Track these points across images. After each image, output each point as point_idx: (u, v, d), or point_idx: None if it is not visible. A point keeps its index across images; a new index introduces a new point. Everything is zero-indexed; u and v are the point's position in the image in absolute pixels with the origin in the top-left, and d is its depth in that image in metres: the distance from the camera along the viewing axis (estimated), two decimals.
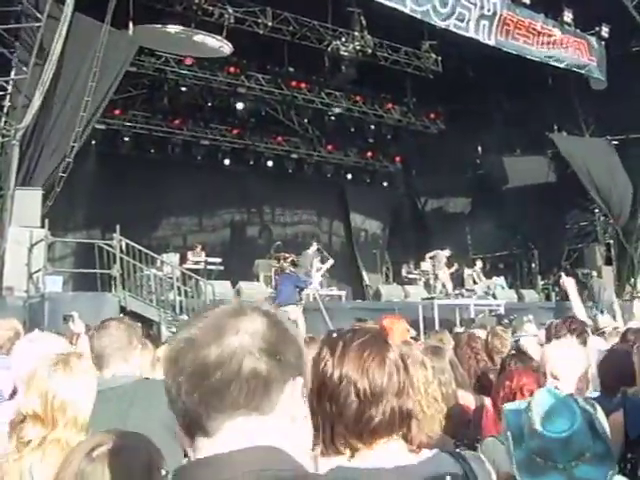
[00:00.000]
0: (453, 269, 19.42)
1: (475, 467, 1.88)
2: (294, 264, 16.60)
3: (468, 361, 4.68)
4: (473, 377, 4.59)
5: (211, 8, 16.65)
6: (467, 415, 3.69)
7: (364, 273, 23.27)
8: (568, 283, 6.45)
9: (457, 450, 2.72)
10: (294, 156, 23.20)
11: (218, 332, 1.15)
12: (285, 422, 1.18)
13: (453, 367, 3.82)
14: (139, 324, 4.60)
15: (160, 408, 2.66)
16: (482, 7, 16.55)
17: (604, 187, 20.13)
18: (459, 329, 12.10)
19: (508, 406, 2.67)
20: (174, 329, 11.29)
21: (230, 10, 16.83)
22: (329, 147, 23.74)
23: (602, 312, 17.27)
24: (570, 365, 3.13)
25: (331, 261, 17.57)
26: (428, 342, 5.34)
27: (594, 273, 20.09)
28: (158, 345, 5.59)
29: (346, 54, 17.96)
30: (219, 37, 16.90)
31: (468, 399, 3.78)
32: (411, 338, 6.42)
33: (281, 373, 1.16)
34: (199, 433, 1.15)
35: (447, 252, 19.32)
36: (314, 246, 17.91)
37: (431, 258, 19.40)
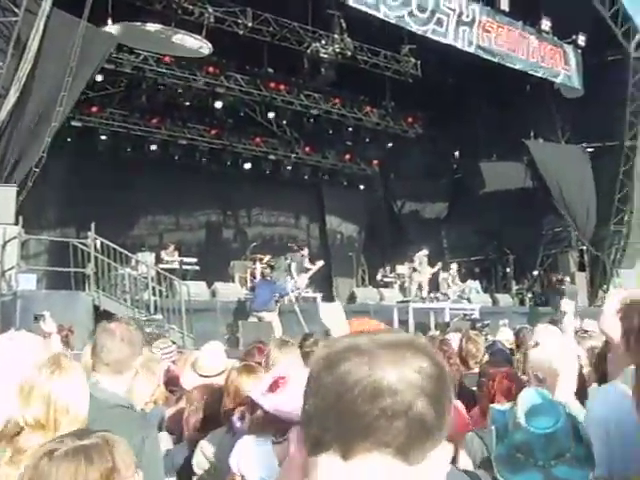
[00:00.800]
0: (436, 268, 19.56)
1: None
2: (271, 267, 16.59)
3: None
4: None
5: (191, 7, 16.58)
6: None
7: (333, 277, 23.24)
8: (569, 308, 6.46)
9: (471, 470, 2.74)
10: (272, 157, 23.16)
11: (395, 359, 1.01)
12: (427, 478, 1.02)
13: None
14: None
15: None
16: (461, 13, 16.69)
17: (572, 199, 20.35)
18: (434, 332, 12.18)
19: (495, 406, 2.72)
20: (148, 329, 11.22)
21: (210, 10, 16.77)
22: (307, 149, 23.74)
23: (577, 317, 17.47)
24: (556, 369, 3.15)
25: (321, 262, 17.58)
26: None
27: (567, 279, 20.30)
28: None
29: (326, 56, 17.98)
30: (199, 37, 16.83)
31: None
32: None
33: (439, 427, 1.01)
34: (332, 450, 1.00)
35: (426, 251, 19.49)
36: (305, 251, 18.07)
37: (412, 261, 19.53)
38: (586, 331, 7.47)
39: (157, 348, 5.70)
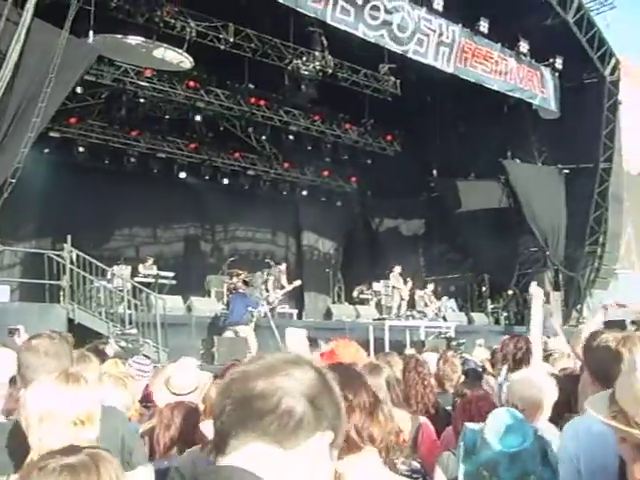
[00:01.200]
0: (408, 286, 19.72)
1: None
2: (246, 283, 16.56)
3: (415, 386, 4.70)
4: (420, 402, 4.61)
5: (173, 21, 16.61)
6: (403, 435, 3.71)
7: (306, 293, 23.19)
8: (537, 293, 6.52)
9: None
10: (250, 172, 23.15)
11: (270, 371, 1.33)
12: (304, 462, 1.31)
13: (390, 386, 3.83)
14: (70, 338, 4.48)
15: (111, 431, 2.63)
16: (441, 34, 16.85)
17: (544, 220, 20.53)
18: (409, 350, 12.20)
19: (469, 425, 2.74)
20: (122, 343, 11.14)
21: (192, 24, 16.80)
22: (286, 165, 23.77)
23: (548, 337, 17.60)
24: (531, 395, 3.19)
25: (298, 282, 17.58)
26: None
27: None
28: (105, 360, 5.49)
29: (306, 73, 18.07)
30: (180, 50, 16.85)
31: (404, 418, 3.80)
32: None
33: (315, 420, 1.31)
34: (220, 453, 1.32)
35: (399, 269, 19.69)
36: (283, 266, 18.08)
37: (388, 279, 19.70)
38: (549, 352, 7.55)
39: (134, 363, 5.65)
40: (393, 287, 19.62)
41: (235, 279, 17.21)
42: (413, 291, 20.22)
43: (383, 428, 2.06)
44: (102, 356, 5.84)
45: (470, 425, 2.71)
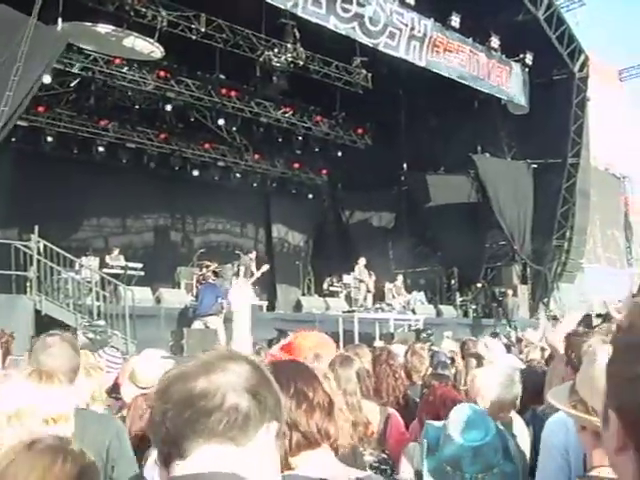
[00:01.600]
0: (373, 277, 19.86)
1: None
2: (216, 274, 16.49)
3: (387, 379, 4.73)
4: (391, 395, 4.64)
5: (144, 10, 16.43)
6: (371, 426, 3.75)
7: (277, 285, 23.21)
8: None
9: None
10: (221, 164, 23.06)
11: (207, 369, 1.30)
12: (256, 456, 1.29)
13: (360, 378, 3.86)
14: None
15: (95, 440, 2.58)
16: (413, 28, 16.90)
17: (512, 214, 20.74)
18: (379, 343, 12.26)
19: (430, 422, 2.77)
20: (90, 335, 11.05)
21: (163, 13, 16.64)
22: (256, 156, 23.71)
23: (516, 329, 17.84)
24: (498, 389, 3.22)
25: (266, 266, 17.50)
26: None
27: (510, 292, 20.68)
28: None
29: (278, 65, 18.01)
30: (150, 40, 16.69)
31: (373, 410, 3.84)
32: None
33: (260, 413, 1.30)
34: (176, 456, 1.27)
35: (364, 260, 19.78)
36: (253, 254, 18.01)
37: (358, 269, 19.78)
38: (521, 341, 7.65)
39: (105, 354, 5.61)
40: (359, 280, 19.71)
41: (205, 270, 17.14)
42: (382, 284, 20.31)
43: (338, 425, 2.09)
44: None
45: (431, 422, 2.75)
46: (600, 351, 1.98)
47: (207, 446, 1.26)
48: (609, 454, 0.92)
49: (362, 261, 19.94)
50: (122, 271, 16.39)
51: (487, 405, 3.18)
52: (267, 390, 1.33)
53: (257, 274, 17.08)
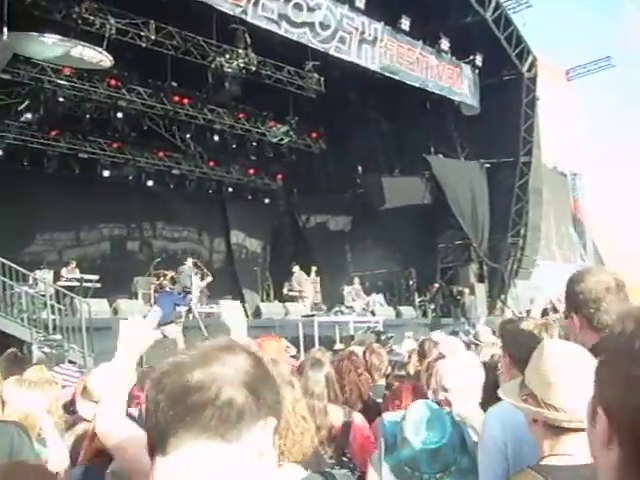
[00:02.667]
0: (310, 281, 19.91)
1: None
2: (173, 281, 16.33)
3: (349, 374, 4.71)
4: (354, 391, 4.63)
5: (92, 18, 16.25)
6: (335, 430, 3.76)
7: (244, 290, 23.15)
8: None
9: (328, 470, 2.79)
10: (175, 172, 22.89)
11: (205, 360, 1.24)
12: (250, 455, 1.23)
13: (329, 382, 3.87)
14: None
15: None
16: (363, 32, 17.00)
17: (468, 213, 21.02)
18: (339, 346, 12.28)
19: (387, 417, 2.76)
20: (46, 349, 10.85)
21: (112, 21, 16.47)
22: (211, 163, 23.59)
23: (473, 327, 18.03)
24: (461, 379, 3.24)
25: (209, 278, 17.36)
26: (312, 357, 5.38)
27: (467, 290, 20.90)
28: (27, 367, 5.33)
29: (230, 71, 17.96)
30: (99, 49, 16.47)
31: (337, 414, 3.85)
32: (291, 356, 6.47)
33: (257, 409, 1.23)
34: (159, 452, 1.22)
35: (298, 268, 19.79)
36: (189, 261, 17.71)
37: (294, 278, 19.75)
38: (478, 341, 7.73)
39: (61, 369, 5.51)
40: (298, 291, 19.68)
41: (162, 279, 16.96)
42: (341, 287, 20.34)
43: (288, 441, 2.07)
44: (22, 364, 5.66)
45: (388, 417, 2.74)
46: (548, 345, 2.03)
47: (195, 441, 1.19)
48: (593, 448, 0.98)
49: (296, 269, 19.84)
50: (78, 283, 16.13)
51: (451, 395, 3.20)
52: (267, 386, 1.27)
53: (202, 285, 16.84)
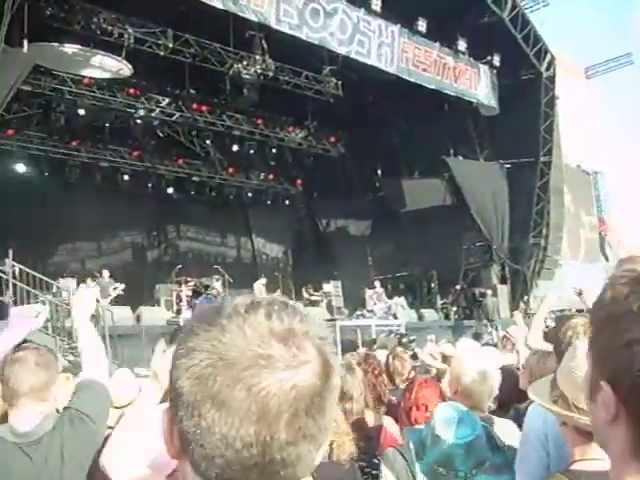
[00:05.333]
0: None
1: None
2: (196, 292, 16.33)
3: (365, 376, 4.71)
4: (372, 394, 4.62)
5: (110, 28, 16.38)
6: (368, 432, 3.78)
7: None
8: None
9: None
10: (195, 179, 22.99)
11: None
12: None
13: (364, 387, 3.95)
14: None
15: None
16: (381, 35, 16.99)
17: (489, 214, 20.87)
18: (361, 350, 12.24)
19: (409, 427, 2.75)
20: (71, 357, 10.93)
21: (130, 30, 16.60)
22: (230, 170, 23.67)
23: (496, 329, 17.91)
24: (479, 381, 3.21)
25: (121, 286, 16.72)
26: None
27: (489, 292, 20.75)
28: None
29: (247, 77, 18.02)
30: (118, 58, 16.62)
31: (369, 417, 3.88)
32: None
33: None
34: None
35: (263, 280, 19.58)
36: (105, 273, 17.07)
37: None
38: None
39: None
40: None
41: (184, 287, 17.03)
42: (362, 291, 20.31)
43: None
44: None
45: (410, 427, 2.73)
46: (580, 345, 1.98)
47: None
48: (597, 427, 0.94)
49: (261, 281, 19.56)
50: (116, 294, 16.16)
51: (463, 399, 3.18)
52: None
53: (113, 294, 16.42)
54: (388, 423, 3.93)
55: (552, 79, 21.03)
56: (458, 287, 22.09)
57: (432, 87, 18.60)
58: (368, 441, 3.64)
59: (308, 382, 0.88)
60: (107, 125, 20.07)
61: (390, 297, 20.66)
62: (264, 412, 0.85)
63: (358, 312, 18.89)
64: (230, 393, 0.85)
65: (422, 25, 17.71)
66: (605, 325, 0.93)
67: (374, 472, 3.33)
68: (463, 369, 3.30)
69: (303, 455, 0.89)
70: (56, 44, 15.93)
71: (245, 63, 17.85)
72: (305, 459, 0.90)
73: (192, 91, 20.36)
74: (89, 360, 2.81)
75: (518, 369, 4.68)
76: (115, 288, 16.27)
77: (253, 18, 14.99)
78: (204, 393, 0.86)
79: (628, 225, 32.11)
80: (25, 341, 3.26)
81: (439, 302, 21.94)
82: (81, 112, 19.07)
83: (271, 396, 0.85)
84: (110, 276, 16.96)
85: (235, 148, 22.35)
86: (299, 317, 0.92)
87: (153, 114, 20.10)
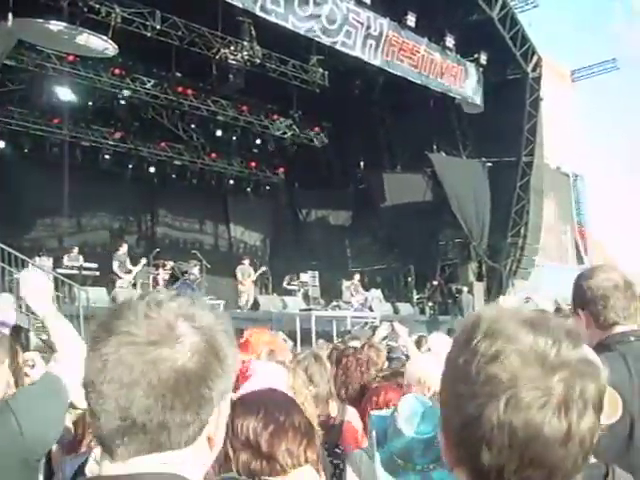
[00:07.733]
0: (259, 272, 19.77)
1: None
2: (173, 276, 16.32)
3: (354, 372, 4.76)
4: (357, 388, 4.67)
5: (98, 6, 16.19)
6: (331, 421, 3.82)
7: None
8: (400, 329, 6.68)
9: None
10: (177, 162, 22.85)
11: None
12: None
13: (329, 374, 3.98)
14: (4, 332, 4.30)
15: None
16: (369, 27, 16.98)
17: (469, 211, 20.95)
18: (336, 340, 12.29)
19: (375, 412, 2.77)
20: (44, 336, 10.86)
21: (118, 10, 16.43)
22: (213, 155, 23.56)
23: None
24: (434, 376, 3.25)
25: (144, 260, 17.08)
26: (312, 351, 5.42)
27: (465, 289, 20.90)
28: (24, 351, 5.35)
29: (234, 63, 17.93)
30: (104, 37, 16.43)
31: (333, 407, 3.91)
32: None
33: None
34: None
35: (246, 262, 19.67)
36: (124, 247, 17.62)
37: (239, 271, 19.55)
38: None
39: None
40: (241, 283, 19.27)
41: (161, 270, 16.98)
42: (339, 282, 20.35)
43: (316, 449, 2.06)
44: (23, 349, 5.67)
45: (376, 412, 2.75)
46: None
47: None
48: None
49: (246, 262, 19.60)
50: (77, 271, 16.13)
51: (425, 391, 3.22)
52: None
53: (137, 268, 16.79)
54: (351, 414, 3.96)
55: (538, 80, 21.18)
56: (435, 282, 22.22)
57: (417, 82, 18.65)
58: (330, 429, 3.67)
59: (172, 358, 1.03)
60: (90, 104, 19.88)
61: (367, 289, 20.74)
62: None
63: (334, 303, 18.93)
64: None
65: (411, 20, 17.74)
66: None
67: (335, 461, 3.35)
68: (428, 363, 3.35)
69: (168, 425, 1.02)
70: (41, 20, 15.72)
71: (232, 49, 17.77)
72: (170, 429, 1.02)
73: (178, 74, 20.21)
74: (62, 354, 2.64)
75: None
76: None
77: (238, 4, 14.91)
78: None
79: (605, 228, 32.35)
80: None
81: (415, 296, 22.06)
82: (65, 90, 18.87)
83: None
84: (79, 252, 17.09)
85: (219, 133, 22.23)
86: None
87: (137, 95, 19.94)
